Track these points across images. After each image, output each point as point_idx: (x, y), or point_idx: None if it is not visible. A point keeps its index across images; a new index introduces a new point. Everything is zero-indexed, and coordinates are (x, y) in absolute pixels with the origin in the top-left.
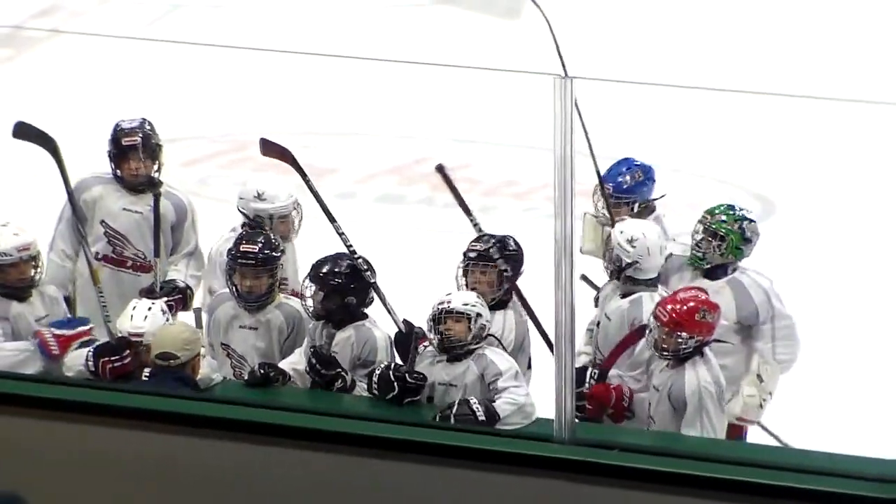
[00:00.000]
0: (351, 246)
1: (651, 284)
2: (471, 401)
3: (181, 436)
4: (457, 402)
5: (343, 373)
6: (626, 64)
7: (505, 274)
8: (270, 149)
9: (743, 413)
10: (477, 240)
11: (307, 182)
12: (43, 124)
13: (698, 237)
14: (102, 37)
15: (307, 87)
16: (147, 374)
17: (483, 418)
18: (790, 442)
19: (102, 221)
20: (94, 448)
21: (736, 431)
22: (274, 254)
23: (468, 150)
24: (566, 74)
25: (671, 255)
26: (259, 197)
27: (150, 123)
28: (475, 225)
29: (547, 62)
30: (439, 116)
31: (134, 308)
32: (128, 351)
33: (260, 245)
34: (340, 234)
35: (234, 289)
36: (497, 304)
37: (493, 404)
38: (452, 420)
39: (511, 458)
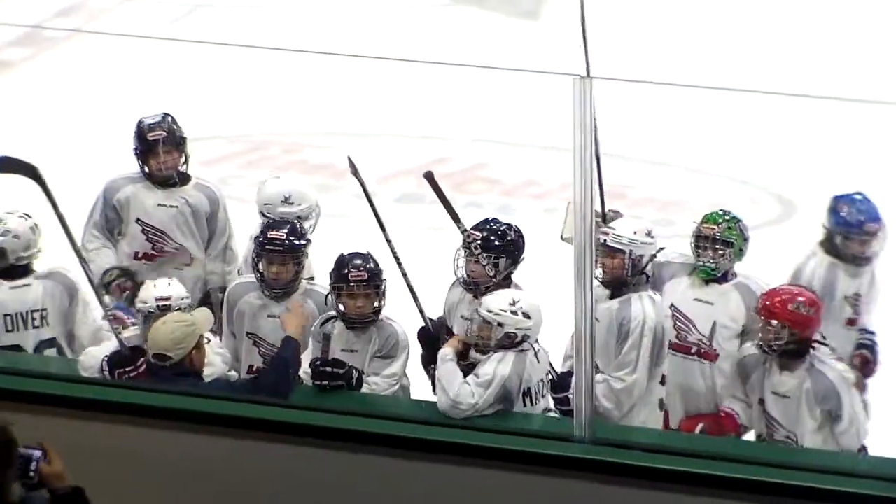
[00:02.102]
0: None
1: (642, 285)
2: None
3: (191, 433)
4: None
5: (354, 369)
6: (646, 64)
7: (498, 263)
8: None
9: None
10: (476, 227)
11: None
12: (62, 124)
13: (703, 249)
14: (123, 36)
15: (327, 86)
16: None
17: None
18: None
19: (138, 220)
20: (104, 445)
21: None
22: (298, 242)
23: (488, 150)
24: (588, 74)
25: (667, 262)
26: (286, 201)
27: (172, 117)
28: (463, 232)
29: (566, 62)
30: (459, 116)
31: (155, 285)
32: (141, 360)
33: (286, 232)
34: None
35: (259, 276)
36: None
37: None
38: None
39: (531, 457)
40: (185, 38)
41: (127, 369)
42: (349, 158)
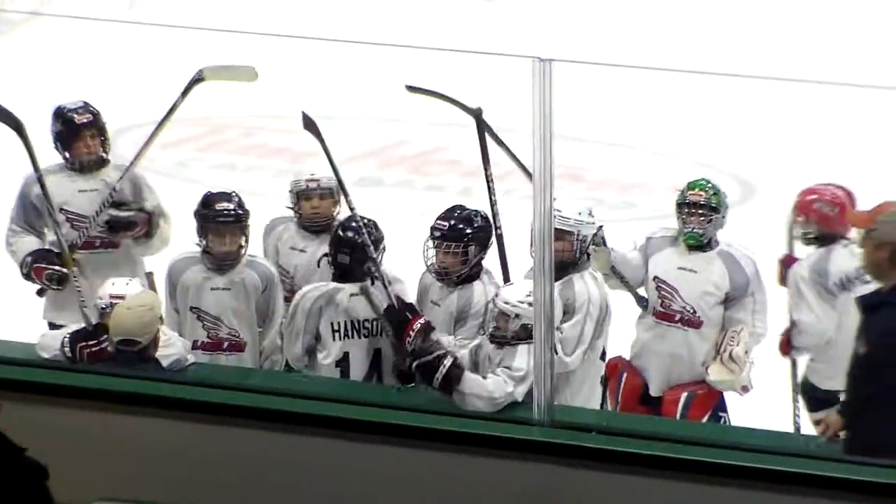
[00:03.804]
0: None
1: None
2: (445, 360)
3: (155, 418)
4: (436, 353)
5: None
6: (606, 47)
7: (468, 251)
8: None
9: (738, 378)
10: (443, 217)
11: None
12: (21, 107)
13: (690, 215)
14: (81, 19)
15: (284, 70)
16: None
17: (437, 383)
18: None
19: (62, 209)
20: (71, 431)
21: (713, 398)
22: (241, 211)
23: (447, 132)
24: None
25: (650, 238)
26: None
27: (91, 104)
28: (488, 175)
29: (525, 44)
30: (417, 99)
31: (113, 283)
32: (105, 336)
33: (233, 202)
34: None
35: (204, 249)
36: (468, 279)
37: (462, 378)
38: (416, 364)
39: (491, 440)
40: (142, 21)
41: (89, 343)
42: (304, 113)
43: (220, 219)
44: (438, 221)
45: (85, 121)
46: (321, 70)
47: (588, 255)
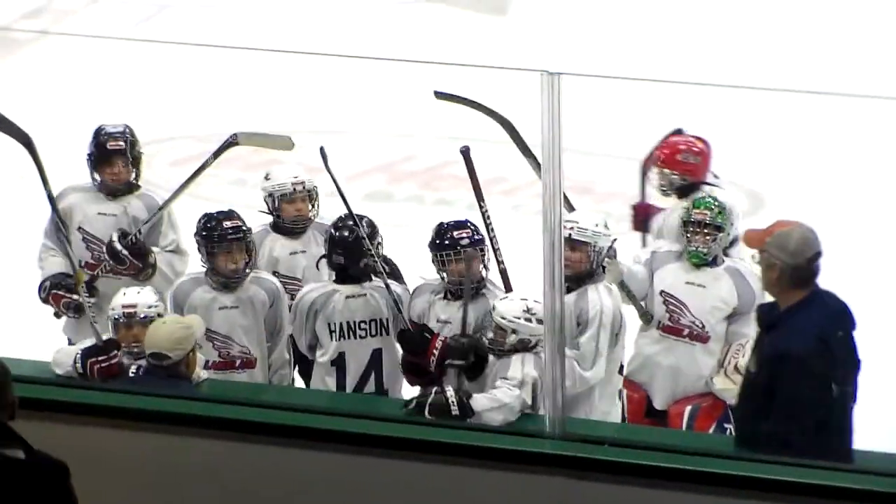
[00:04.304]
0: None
1: (598, 276)
2: (447, 392)
3: (172, 435)
4: (434, 391)
5: None
6: (615, 60)
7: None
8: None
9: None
10: (455, 228)
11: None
12: (30, 126)
13: (694, 233)
14: (90, 37)
15: (296, 85)
16: (134, 371)
17: (456, 412)
18: None
19: (80, 228)
20: (87, 448)
21: (718, 409)
22: (245, 227)
23: (455, 146)
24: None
25: (655, 252)
26: (266, 177)
27: (131, 130)
28: (484, 212)
29: (534, 58)
30: (426, 114)
31: (124, 293)
32: (115, 351)
33: (237, 219)
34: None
35: (210, 269)
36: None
37: (471, 399)
38: (427, 410)
39: (502, 454)
40: (153, 39)
41: (100, 359)
42: (321, 149)
43: (230, 237)
44: (456, 233)
45: (116, 148)
46: (332, 85)
47: (603, 267)
